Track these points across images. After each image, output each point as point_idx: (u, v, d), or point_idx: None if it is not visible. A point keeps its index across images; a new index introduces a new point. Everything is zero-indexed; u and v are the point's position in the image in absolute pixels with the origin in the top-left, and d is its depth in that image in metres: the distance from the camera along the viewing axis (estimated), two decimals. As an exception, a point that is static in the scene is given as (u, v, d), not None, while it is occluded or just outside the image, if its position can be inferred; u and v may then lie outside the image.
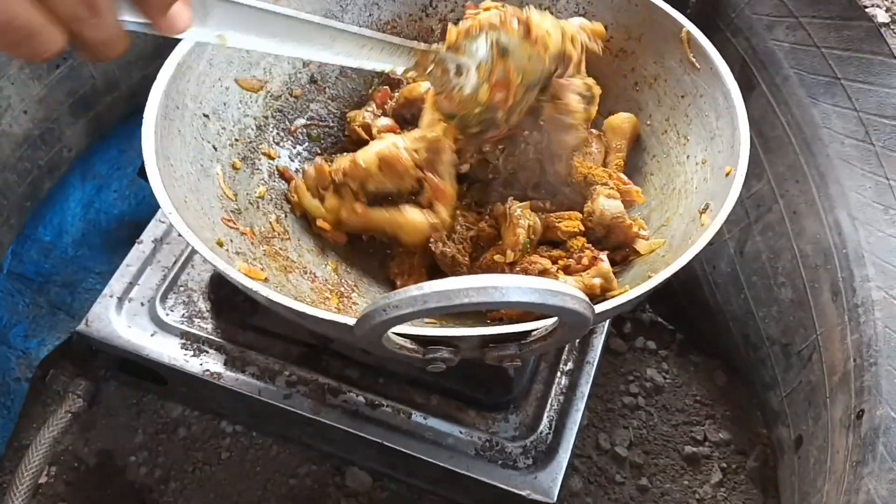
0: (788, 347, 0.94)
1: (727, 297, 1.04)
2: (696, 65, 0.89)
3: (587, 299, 0.56)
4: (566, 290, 0.54)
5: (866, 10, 1.49)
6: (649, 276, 0.74)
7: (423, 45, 0.77)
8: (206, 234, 0.76)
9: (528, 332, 0.65)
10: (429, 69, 0.78)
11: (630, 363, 1.13)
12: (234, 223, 0.84)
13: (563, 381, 0.92)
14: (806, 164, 0.94)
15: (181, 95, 0.84)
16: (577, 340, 0.95)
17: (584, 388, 0.92)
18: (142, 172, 1.14)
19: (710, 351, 1.12)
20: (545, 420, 0.89)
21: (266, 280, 0.79)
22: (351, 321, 0.62)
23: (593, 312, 0.57)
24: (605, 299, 0.69)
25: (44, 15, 0.47)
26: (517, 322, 0.67)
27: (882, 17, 1.46)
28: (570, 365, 0.94)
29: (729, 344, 1.05)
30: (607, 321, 0.99)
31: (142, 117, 1.07)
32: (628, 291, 0.68)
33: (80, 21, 0.49)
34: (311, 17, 0.68)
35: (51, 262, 1.16)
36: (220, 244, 0.78)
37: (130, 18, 0.54)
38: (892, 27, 1.47)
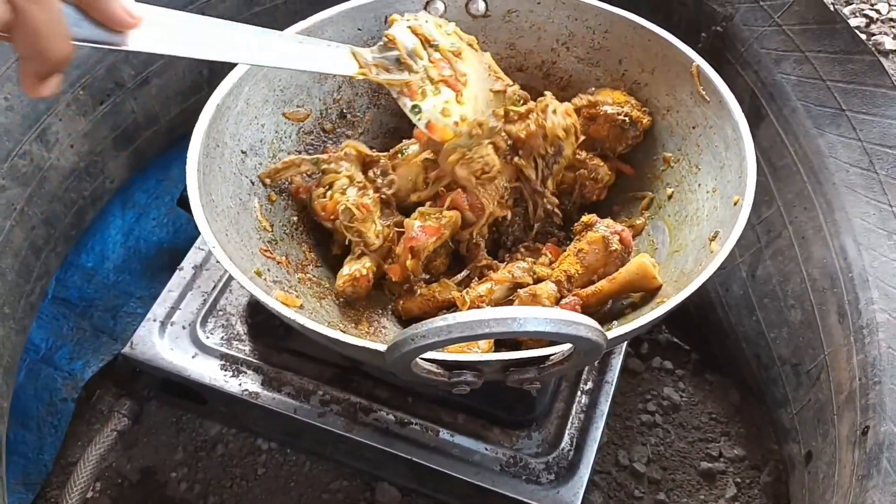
0: (798, 367, 0.97)
1: (740, 318, 1.07)
2: (706, 98, 0.93)
3: (600, 327, 0.60)
4: (580, 319, 0.58)
5: (873, 37, 1.53)
6: (661, 302, 0.79)
7: (354, 48, 0.82)
8: (245, 264, 0.81)
9: (546, 357, 0.69)
10: (370, 72, 0.82)
11: (647, 382, 1.17)
12: (271, 253, 0.89)
13: (584, 399, 0.96)
14: (813, 191, 0.98)
15: (221, 135, 0.90)
16: (597, 361, 0.99)
17: (604, 407, 0.96)
18: (180, 202, 1.20)
19: (725, 370, 1.16)
20: (566, 437, 0.93)
21: (301, 307, 0.84)
22: (382, 348, 0.66)
23: (606, 339, 0.61)
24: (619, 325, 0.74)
25: None
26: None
27: (889, 44, 1.49)
28: (589, 384, 0.98)
29: (742, 363, 1.09)
30: (625, 344, 1.03)
31: (179, 149, 1.14)
32: (639, 318, 0.72)
33: None
34: (243, 25, 0.74)
35: (93, 287, 1.21)
36: (259, 274, 0.83)
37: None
38: (899, 54, 1.51)
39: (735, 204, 0.82)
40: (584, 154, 0.98)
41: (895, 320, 0.85)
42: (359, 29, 1.02)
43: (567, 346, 0.67)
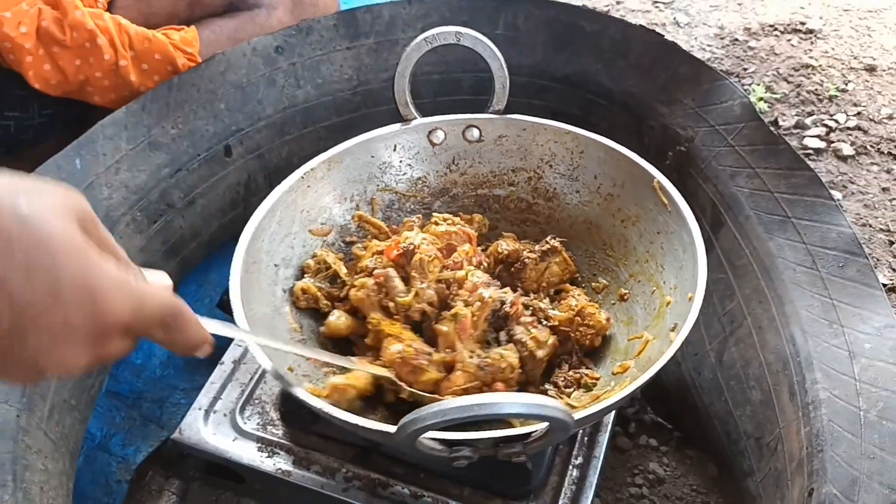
0: (760, 440, 1.07)
1: (711, 399, 1.18)
2: (668, 207, 1.08)
3: (566, 409, 0.75)
4: (550, 402, 0.73)
5: (832, 144, 1.70)
6: (628, 383, 0.93)
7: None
8: (279, 361, 0.96)
9: (529, 434, 0.83)
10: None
11: (635, 458, 1.29)
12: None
13: (575, 472, 1.06)
14: (766, 287, 1.10)
15: (258, 253, 1.06)
16: (586, 438, 1.10)
17: (593, 479, 1.06)
18: (221, 305, 1.36)
19: (702, 446, 1.26)
20: (560, 505, 1.04)
21: (327, 396, 0.99)
22: (392, 429, 0.80)
23: (573, 418, 0.76)
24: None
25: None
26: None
27: (847, 150, 1.66)
28: (580, 459, 1.08)
29: (715, 439, 1.19)
30: (611, 422, 1.15)
31: (217, 257, 1.31)
32: (605, 400, 0.87)
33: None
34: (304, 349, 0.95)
35: (142, 381, 1.35)
36: (291, 370, 0.98)
37: None
38: (856, 158, 1.67)
39: (689, 300, 0.97)
40: (578, 302, 1.10)
41: (835, 397, 0.97)
42: (371, 157, 1.20)
43: (544, 425, 0.81)
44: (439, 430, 0.77)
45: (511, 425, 0.91)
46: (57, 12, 1.29)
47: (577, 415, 0.81)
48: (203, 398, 1.16)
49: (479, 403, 0.72)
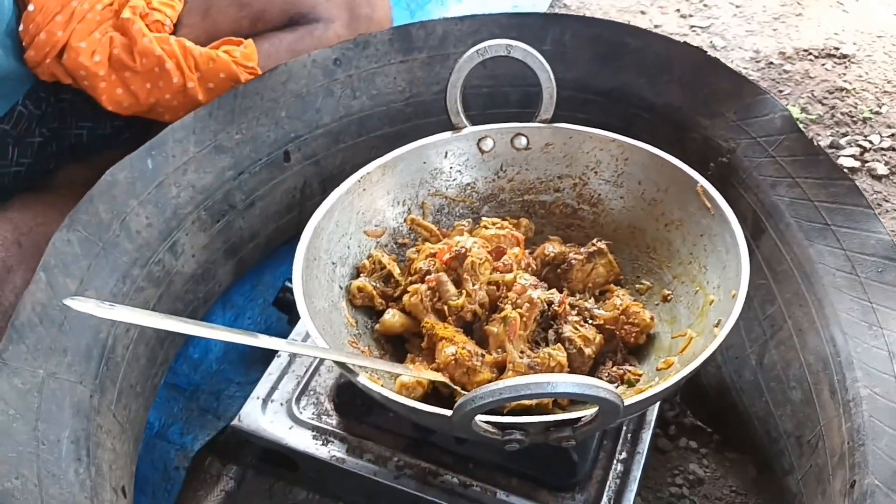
0: (800, 438, 1.10)
1: (752, 400, 1.21)
2: (710, 210, 1.12)
3: (617, 392, 0.79)
4: (601, 384, 0.77)
5: (867, 163, 1.73)
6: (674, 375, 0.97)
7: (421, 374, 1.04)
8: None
9: (578, 419, 0.88)
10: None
11: (675, 460, 1.32)
12: (357, 344, 1.09)
13: (619, 467, 1.11)
14: (807, 291, 1.13)
15: (317, 250, 1.11)
16: (629, 435, 1.15)
17: (636, 473, 1.10)
18: (276, 303, 1.42)
19: (742, 449, 1.29)
20: (605, 499, 1.07)
21: (382, 385, 1.03)
22: (448, 413, 0.85)
23: (622, 401, 0.80)
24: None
25: None
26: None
27: (882, 169, 1.69)
28: (623, 454, 1.12)
29: (755, 439, 1.21)
30: (653, 420, 1.19)
31: (271, 259, 1.37)
32: (652, 388, 0.91)
33: None
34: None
35: (199, 375, 1.41)
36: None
37: None
38: (891, 178, 1.70)
39: (733, 297, 1.00)
40: (623, 301, 1.14)
41: (875, 394, 0.99)
42: (424, 163, 1.25)
43: (593, 410, 0.85)
44: (494, 411, 0.81)
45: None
46: (126, 39, 1.37)
47: (628, 400, 0.85)
48: (261, 388, 1.21)
49: (534, 382, 0.76)
